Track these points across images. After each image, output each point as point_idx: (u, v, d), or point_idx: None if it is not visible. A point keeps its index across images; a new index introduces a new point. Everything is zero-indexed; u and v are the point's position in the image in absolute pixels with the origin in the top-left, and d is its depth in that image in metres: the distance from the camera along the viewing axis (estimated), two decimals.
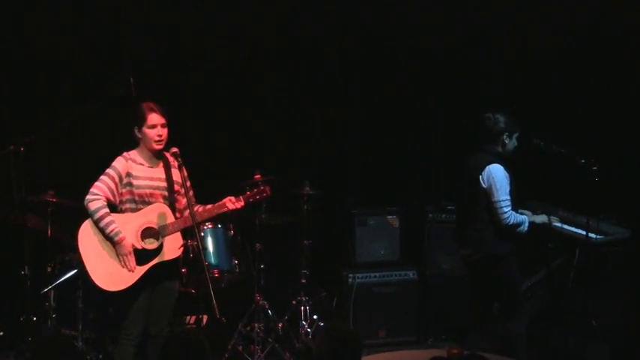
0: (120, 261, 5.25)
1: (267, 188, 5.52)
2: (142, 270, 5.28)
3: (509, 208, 5.73)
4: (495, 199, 5.73)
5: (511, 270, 5.84)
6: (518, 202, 6.00)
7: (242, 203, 5.47)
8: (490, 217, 5.77)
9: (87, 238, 5.29)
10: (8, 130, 6.79)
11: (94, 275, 5.26)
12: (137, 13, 7.07)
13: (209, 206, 5.47)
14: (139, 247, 5.28)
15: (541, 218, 5.99)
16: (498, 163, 5.76)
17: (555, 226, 6.11)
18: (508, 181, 5.74)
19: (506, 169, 5.77)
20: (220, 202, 5.46)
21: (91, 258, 5.27)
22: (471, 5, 7.32)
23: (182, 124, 6.87)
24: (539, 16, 7.23)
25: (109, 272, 5.26)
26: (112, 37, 7.07)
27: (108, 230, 5.24)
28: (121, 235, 5.24)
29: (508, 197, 5.73)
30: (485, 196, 5.77)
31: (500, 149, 5.83)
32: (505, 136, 5.82)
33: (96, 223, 5.26)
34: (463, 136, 6.61)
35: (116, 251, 5.26)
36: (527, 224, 5.79)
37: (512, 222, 5.73)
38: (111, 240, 5.25)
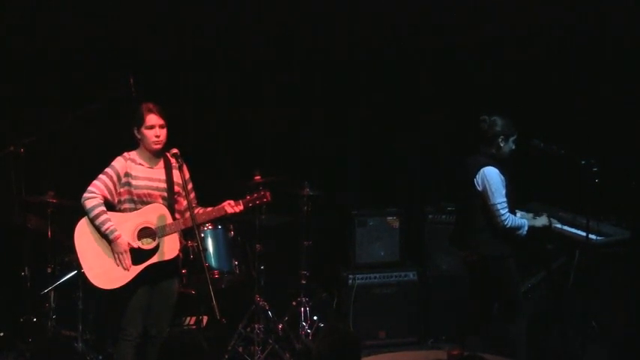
0: (115, 259, 5.26)
1: (268, 193, 5.49)
2: (137, 269, 5.28)
3: (507, 210, 5.72)
4: (491, 202, 5.72)
5: (509, 271, 5.84)
6: (519, 203, 6.01)
7: (241, 207, 5.46)
8: (487, 219, 5.77)
9: (83, 235, 5.30)
10: (8, 130, 6.80)
11: (90, 273, 5.27)
12: (137, 12, 7.06)
13: (209, 209, 5.48)
14: (135, 246, 5.28)
15: (541, 221, 5.98)
16: (493, 165, 5.75)
17: (556, 227, 6.11)
18: (503, 183, 5.73)
19: (502, 171, 5.76)
20: (219, 206, 5.45)
21: (87, 256, 5.28)
22: (471, 5, 7.31)
23: (182, 124, 6.87)
24: (539, 16, 7.22)
25: (104, 270, 5.26)
26: (112, 37, 7.06)
27: (103, 228, 5.24)
28: (116, 233, 5.24)
29: (504, 199, 5.72)
30: (481, 198, 5.77)
31: (495, 152, 5.82)
32: (500, 139, 5.80)
33: (92, 221, 5.27)
34: (463, 136, 6.61)
35: (112, 249, 5.26)
36: (526, 228, 5.78)
37: (510, 224, 5.72)
38: (106, 238, 5.26)
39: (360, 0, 7.37)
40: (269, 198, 5.50)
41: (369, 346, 6.77)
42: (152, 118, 5.37)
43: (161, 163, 5.45)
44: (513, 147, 5.84)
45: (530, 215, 6.02)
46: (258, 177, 6.16)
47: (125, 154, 5.42)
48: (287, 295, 6.94)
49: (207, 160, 7.15)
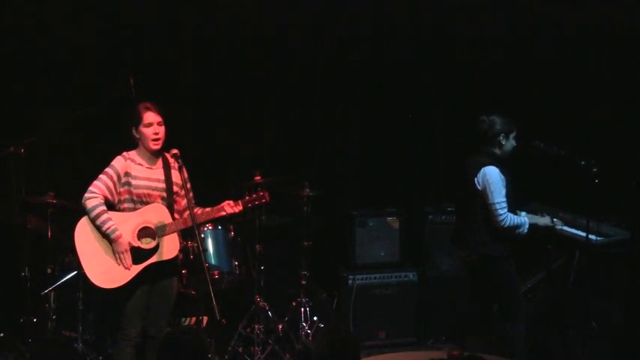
0: (116, 259, 5.26)
1: (267, 194, 5.51)
2: (137, 269, 5.29)
3: (506, 210, 5.72)
4: (490, 201, 5.72)
5: (509, 271, 5.84)
6: (519, 203, 6.00)
7: (240, 207, 5.48)
8: (486, 219, 5.77)
9: (84, 235, 5.30)
10: (8, 130, 6.80)
11: (90, 272, 5.28)
12: (137, 13, 7.07)
13: (208, 209, 5.48)
14: (135, 245, 5.28)
15: (544, 221, 5.99)
16: (494, 164, 5.75)
17: (558, 228, 6.10)
18: (503, 183, 5.73)
19: (502, 171, 5.76)
20: (219, 206, 5.46)
21: (87, 255, 5.28)
22: (472, 5, 7.31)
23: (182, 124, 6.88)
24: (540, 16, 7.22)
25: (104, 270, 5.27)
26: (112, 37, 7.06)
27: (104, 228, 5.25)
28: (117, 233, 5.25)
29: (504, 199, 5.72)
30: (481, 197, 5.77)
31: (497, 151, 5.82)
32: (502, 137, 5.81)
33: (92, 220, 5.27)
34: (463, 137, 6.61)
35: (112, 249, 5.27)
36: (526, 226, 5.77)
37: (508, 224, 5.72)
38: (107, 238, 5.27)
39: (360, 0, 7.39)
40: (267, 199, 5.51)
41: (369, 346, 6.78)
42: (150, 116, 5.37)
43: (160, 163, 5.45)
44: (515, 144, 5.84)
45: (538, 216, 6.01)
46: (258, 177, 6.16)
47: (125, 153, 5.43)
48: (287, 296, 6.93)
49: (207, 160, 7.15)
